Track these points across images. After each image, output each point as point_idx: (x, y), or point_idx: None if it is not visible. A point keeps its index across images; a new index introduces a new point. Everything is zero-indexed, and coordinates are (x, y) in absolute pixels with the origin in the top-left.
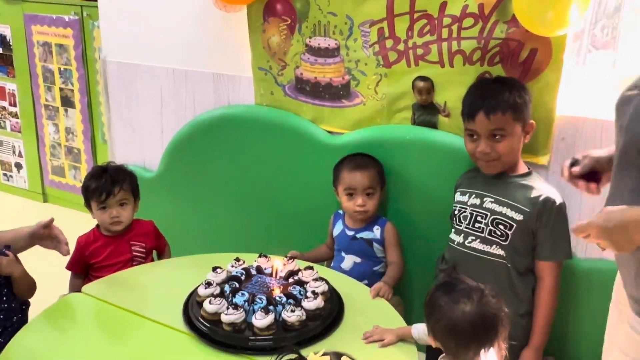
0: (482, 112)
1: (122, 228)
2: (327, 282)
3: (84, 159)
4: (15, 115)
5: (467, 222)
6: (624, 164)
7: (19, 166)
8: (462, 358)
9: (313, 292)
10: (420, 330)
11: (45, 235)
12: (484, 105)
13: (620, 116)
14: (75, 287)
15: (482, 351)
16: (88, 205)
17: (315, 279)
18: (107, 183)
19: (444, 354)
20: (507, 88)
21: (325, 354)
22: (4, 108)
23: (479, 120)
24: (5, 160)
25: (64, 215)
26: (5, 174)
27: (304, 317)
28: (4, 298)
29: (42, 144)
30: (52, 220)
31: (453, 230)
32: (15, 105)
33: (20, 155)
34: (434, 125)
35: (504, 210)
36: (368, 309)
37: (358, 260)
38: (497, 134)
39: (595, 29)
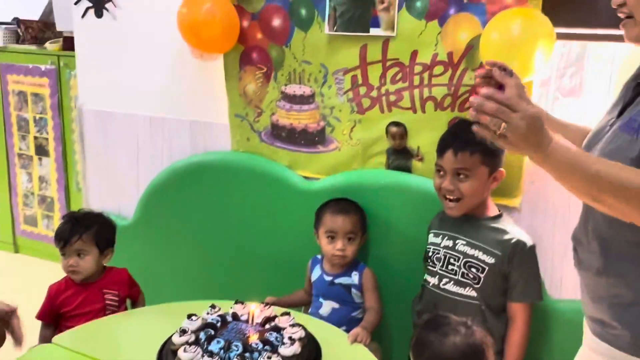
0: (451, 149)
1: (80, 278)
2: (304, 328)
3: (57, 207)
4: None
5: (440, 264)
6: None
7: None
8: None
9: (290, 338)
10: None
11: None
12: (454, 143)
13: (589, 151)
14: (45, 338)
15: None
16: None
17: (292, 325)
18: (66, 231)
19: None
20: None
21: None
22: None
23: (447, 156)
24: None
25: (36, 266)
26: None
27: None
28: None
29: (14, 194)
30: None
31: (427, 271)
32: None
33: None
34: (408, 170)
35: (476, 253)
36: (346, 355)
37: (336, 305)
38: (462, 173)
39: (564, 77)
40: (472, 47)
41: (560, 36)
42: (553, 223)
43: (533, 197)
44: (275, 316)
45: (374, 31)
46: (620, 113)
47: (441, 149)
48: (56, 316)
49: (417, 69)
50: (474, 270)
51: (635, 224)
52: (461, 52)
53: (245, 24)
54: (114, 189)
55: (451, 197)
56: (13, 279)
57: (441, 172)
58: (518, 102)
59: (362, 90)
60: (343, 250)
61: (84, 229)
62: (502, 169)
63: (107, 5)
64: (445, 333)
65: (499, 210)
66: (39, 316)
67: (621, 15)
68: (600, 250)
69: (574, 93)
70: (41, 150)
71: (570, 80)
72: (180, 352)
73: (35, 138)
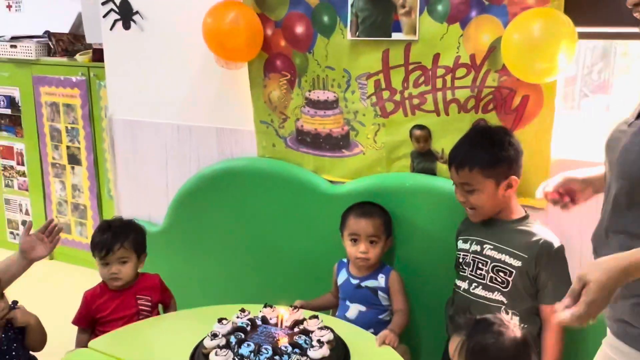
0: (453, 165)
1: (121, 284)
2: (332, 331)
3: (90, 215)
4: (23, 174)
5: (470, 269)
6: (621, 201)
7: (25, 224)
8: None
9: (319, 341)
10: None
11: (33, 241)
12: (455, 160)
13: (609, 152)
14: (81, 343)
15: None
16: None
17: (321, 328)
18: (107, 239)
19: None
20: (486, 143)
21: None
22: (12, 167)
23: (452, 172)
24: (12, 218)
25: (71, 272)
26: (12, 232)
27: None
28: (14, 353)
29: (48, 202)
30: (30, 224)
31: (458, 277)
32: (23, 164)
33: (27, 213)
34: (432, 172)
35: (503, 257)
36: (374, 357)
37: (363, 308)
38: (467, 187)
39: (592, 73)
40: (494, 48)
41: (583, 35)
42: (580, 223)
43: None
44: (304, 319)
45: (395, 35)
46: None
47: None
48: (92, 321)
49: (440, 72)
50: (502, 274)
51: None
52: (483, 54)
53: (269, 32)
54: (144, 196)
55: (467, 207)
56: (49, 285)
57: (455, 185)
58: (590, 301)
59: (385, 94)
60: (365, 253)
61: (124, 237)
62: (514, 176)
63: (134, 18)
64: (499, 332)
65: (525, 212)
66: (75, 321)
67: (637, 16)
68: (620, 251)
69: (602, 89)
70: (73, 159)
71: (599, 76)
72: (212, 356)
73: (68, 147)
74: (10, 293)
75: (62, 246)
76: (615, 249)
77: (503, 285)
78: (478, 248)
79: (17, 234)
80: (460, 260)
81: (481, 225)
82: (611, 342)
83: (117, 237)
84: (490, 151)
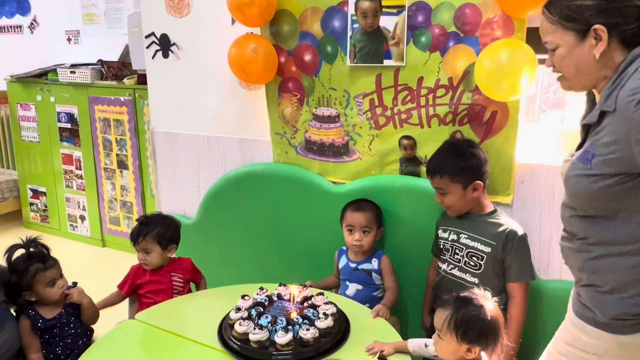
0: (428, 174)
1: (150, 268)
2: (335, 305)
3: (135, 210)
4: (81, 177)
5: (449, 254)
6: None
7: (82, 218)
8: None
9: (324, 314)
10: (415, 344)
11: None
12: (429, 170)
13: (562, 178)
14: (114, 296)
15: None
16: None
17: (326, 303)
18: (134, 233)
19: None
20: (453, 155)
21: None
22: (71, 171)
23: (429, 179)
24: (72, 213)
25: (119, 257)
26: (71, 225)
27: (317, 335)
28: (72, 325)
29: (101, 199)
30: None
31: (440, 260)
32: (80, 169)
33: (84, 209)
34: (417, 175)
35: (476, 244)
36: (370, 327)
37: (360, 287)
38: (440, 191)
39: (548, 93)
40: (468, 72)
41: (542, 61)
42: (540, 216)
43: (523, 194)
44: (312, 296)
45: (387, 62)
46: (579, 147)
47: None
48: (131, 289)
49: (423, 92)
50: (474, 259)
51: (609, 229)
52: (459, 77)
53: (282, 59)
54: (180, 195)
55: (444, 207)
56: (102, 267)
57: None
58: None
59: (379, 110)
60: (359, 240)
61: (147, 232)
62: (478, 181)
63: (172, 48)
64: (480, 305)
65: (494, 207)
66: (119, 286)
67: (555, 74)
68: (580, 252)
69: (557, 106)
70: (122, 165)
71: (554, 95)
72: (236, 326)
73: (117, 155)
74: (73, 273)
75: (113, 236)
76: (576, 245)
77: (475, 268)
78: (455, 237)
79: (76, 226)
80: (441, 246)
81: (457, 219)
82: (571, 318)
83: (141, 231)
84: (455, 162)
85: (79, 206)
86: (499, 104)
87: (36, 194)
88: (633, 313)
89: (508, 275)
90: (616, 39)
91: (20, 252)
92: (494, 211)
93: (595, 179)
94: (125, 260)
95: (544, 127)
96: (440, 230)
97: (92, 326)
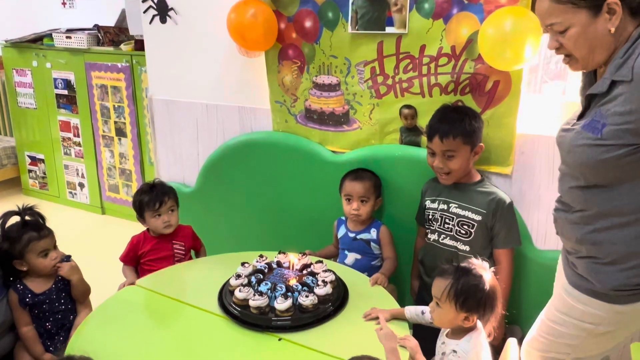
0: (437, 135)
1: (172, 230)
2: (334, 273)
3: (134, 178)
4: (79, 144)
5: (438, 224)
6: (568, 176)
7: (81, 185)
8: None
9: (323, 281)
10: (411, 311)
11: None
12: (439, 130)
13: (559, 148)
14: (127, 275)
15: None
16: (141, 216)
17: (325, 270)
18: (158, 195)
19: (445, 332)
20: (461, 117)
21: None
22: (69, 138)
23: (435, 142)
24: (71, 180)
25: (119, 224)
26: (70, 192)
27: (316, 301)
28: (62, 300)
29: (100, 167)
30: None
31: (428, 230)
32: (78, 136)
33: (82, 176)
34: (417, 144)
35: (466, 213)
36: (368, 294)
37: (359, 256)
38: (449, 154)
39: (550, 64)
40: (471, 40)
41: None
42: (539, 187)
43: (523, 165)
44: (311, 263)
45: (389, 29)
46: (580, 117)
47: (429, 135)
48: (134, 259)
49: (425, 60)
50: (465, 227)
51: (611, 201)
52: (462, 45)
53: (282, 25)
54: (179, 163)
55: (442, 173)
56: (102, 233)
57: (432, 153)
58: None
59: (380, 79)
60: (357, 210)
61: (169, 191)
62: (481, 143)
63: (169, 13)
64: (480, 275)
65: (481, 176)
66: (122, 258)
67: (562, 56)
68: (580, 224)
69: (559, 77)
70: (120, 132)
71: (556, 66)
72: (236, 292)
73: (115, 122)
74: (72, 240)
75: (112, 203)
76: (575, 217)
77: (466, 236)
78: (445, 207)
79: (75, 193)
80: (430, 217)
81: (446, 188)
82: (566, 288)
83: (164, 192)
84: (468, 122)
85: (77, 173)
86: (502, 74)
87: (34, 161)
88: (632, 284)
89: (496, 242)
90: (626, 10)
91: (15, 220)
92: (482, 180)
93: (606, 149)
94: (125, 227)
95: (545, 98)
96: (428, 201)
97: (92, 290)
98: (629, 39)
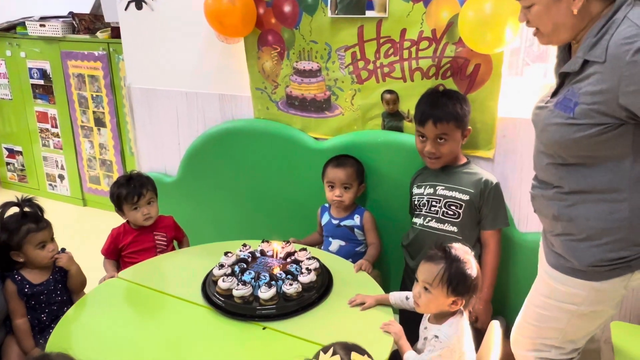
0: (431, 120)
1: (152, 222)
2: (318, 261)
3: (115, 169)
4: (57, 135)
5: (425, 208)
6: (543, 154)
7: (61, 177)
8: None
9: (307, 269)
10: (396, 297)
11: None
12: (433, 115)
13: (534, 126)
14: (108, 269)
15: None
16: (119, 209)
17: (309, 258)
18: (136, 187)
19: (427, 317)
20: (452, 101)
21: (335, 353)
22: (47, 130)
23: (428, 126)
24: (50, 172)
25: (101, 216)
26: (50, 184)
27: (300, 289)
28: (59, 292)
29: (80, 158)
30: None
31: (414, 216)
32: (56, 127)
33: (62, 168)
34: (400, 129)
35: (454, 194)
36: (352, 281)
37: (343, 243)
38: (442, 137)
39: (533, 46)
40: (452, 24)
41: None
42: (521, 170)
43: (504, 149)
44: (295, 251)
45: (369, 13)
46: (554, 94)
47: (421, 119)
48: (116, 252)
49: (406, 44)
50: (453, 207)
51: (586, 178)
52: (443, 28)
53: (261, 10)
54: (160, 152)
55: (432, 157)
56: (84, 225)
57: (423, 138)
58: None
59: (361, 64)
60: (340, 196)
61: (147, 183)
62: (469, 127)
63: None
64: (466, 259)
65: (467, 158)
66: (103, 252)
67: (529, 30)
68: (555, 200)
69: (541, 59)
70: (99, 122)
71: (538, 48)
72: (220, 282)
73: (94, 112)
74: (54, 232)
75: (94, 195)
76: (551, 193)
77: (454, 217)
78: (432, 190)
79: (55, 186)
80: (416, 202)
81: (433, 172)
82: (547, 270)
83: (142, 184)
84: (459, 106)
85: (57, 165)
86: (483, 57)
87: (12, 153)
88: (608, 259)
89: (483, 224)
90: None
91: (13, 210)
92: (468, 162)
93: (578, 128)
94: (107, 219)
95: (526, 81)
96: (415, 188)
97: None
98: (600, 17)
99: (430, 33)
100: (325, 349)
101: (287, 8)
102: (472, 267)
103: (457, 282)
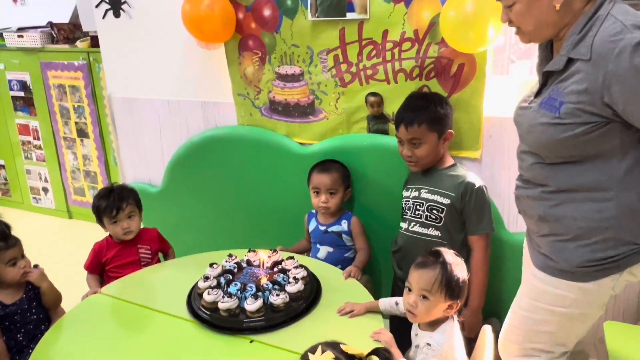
0: (402, 124)
1: (132, 236)
2: (306, 269)
3: (100, 179)
4: (40, 147)
5: (410, 212)
6: (527, 154)
7: (45, 190)
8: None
9: (294, 278)
10: (385, 303)
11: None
12: (404, 118)
13: (517, 126)
14: (91, 284)
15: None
16: (100, 221)
17: (296, 267)
18: (115, 201)
19: (416, 324)
20: (426, 104)
21: (323, 351)
22: (29, 142)
23: (401, 130)
24: (34, 185)
25: (87, 228)
26: (34, 197)
27: (287, 299)
28: (34, 310)
29: (63, 170)
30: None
31: (402, 220)
32: (38, 139)
33: (46, 180)
34: (385, 132)
35: (436, 197)
36: (341, 288)
37: (331, 249)
38: (415, 141)
39: (519, 43)
40: (434, 23)
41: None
42: (509, 170)
43: (491, 149)
44: (282, 260)
45: (350, 15)
46: (538, 94)
47: (396, 124)
48: (99, 267)
49: (389, 45)
50: (435, 212)
51: (572, 177)
52: (425, 29)
53: (241, 15)
54: (144, 162)
55: (410, 161)
56: (69, 238)
57: (401, 142)
58: None
59: (343, 67)
60: (326, 202)
61: (127, 197)
62: (450, 130)
63: (123, 7)
64: (457, 262)
65: (454, 161)
66: (86, 267)
67: (512, 28)
68: (541, 200)
69: (526, 55)
70: (82, 133)
71: (524, 45)
72: (205, 295)
73: (76, 123)
74: (39, 247)
75: (79, 207)
76: (536, 193)
77: (437, 221)
78: (417, 193)
79: (39, 199)
80: (404, 205)
81: (421, 175)
82: (534, 272)
83: (122, 197)
84: (433, 109)
85: (40, 178)
86: (466, 56)
87: None
88: (595, 259)
89: (468, 228)
90: None
91: None
92: (454, 165)
93: (564, 128)
94: (94, 231)
95: (512, 79)
96: (404, 190)
97: (61, 305)
98: (582, 14)
99: (412, 34)
100: (312, 349)
101: (267, 12)
102: (463, 270)
103: (453, 285)
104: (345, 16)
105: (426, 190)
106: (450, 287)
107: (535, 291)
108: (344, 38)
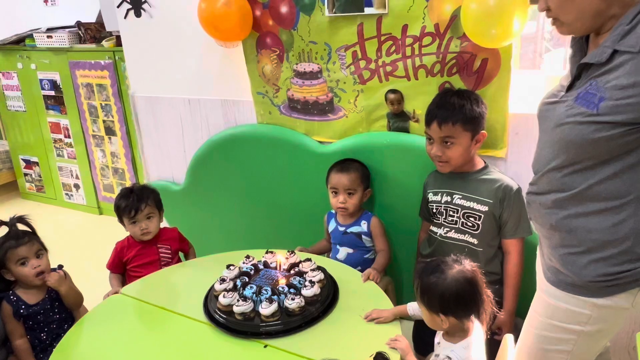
0: (435, 121)
1: (151, 237)
2: (324, 271)
3: (127, 177)
4: (70, 145)
5: (443, 217)
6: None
7: (77, 186)
8: (459, 327)
9: (310, 282)
10: (414, 307)
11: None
12: (437, 116)
13: (542, 122)
14: (113, 283)
15: (472, 317)
16: (121, 220)
17: (313, 269)
18: (134, 201)
19: (441, 332)
20: (462, 101)
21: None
22: (60, 140)
23: (433, 127)
24: (66, 182)
25: (116, 225)
26: (67, 194)
27: (303, 303)
28: (56, 310)
29: (93, 167)
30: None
31: (433, 224)
32: (69, 137)
33: (77, 177)
34: (406, 130)
35: (472, 204)
36: (359, 292)
37: (350, 251)
38: (448, 140)
39: (553, 30)
40: (455, 17)
41: (534, 1)
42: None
43: (517, 147)
44: (299, 262)
45: (368, 10)
46: (570, 87)
47: (428, 120)
48: (121, 266)
49: (408, 41)
50: (472, 219)
51: (590, 185)
52: (446, 22)
53: (258, 13)
54: (167, 161)
55: (440, 161)
56: (99, 234)
57: (430, 140)
58: None
59: (362, 63)
60: (344, 203)
61: (147, 197)
62: (483, 131)
63: (143, 6)
64: (443, 271)
65: (485, 162)
66: (108, 266)
67: (549, 18)
68: (554, 208)
69: (564, 44)
70: (110, 131)
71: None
72: (221, 298)
73: (104, 121)
74: (71, 242)
75: (108, 203)
76: (549, 201)
77: (473, 229)
78: (449, 198)
79: (72, 195)
80: (434, 210)
81: (449, 179)
82: (545, 288)
83: (141, 198)
84: (469, 108)
85: (72, 175)
86: (490, 51)
87: (29, 164)
88: (610, 273)
89: (504, 232)
90: None
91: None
92: (486, 167)
93: (601, 127)
94: (122, 228)
95: (542, 72)
96: (431, 194)
97: (89, 301)
98: (633, 4)
99: (433, 28)
100: None
101: (283, 9)
102: (445, 280)
103: (427, 296)
104: (363, 11)
105: (460, 197)
106: (424, 297)
107: (549, 309)
108: (362, 34)
